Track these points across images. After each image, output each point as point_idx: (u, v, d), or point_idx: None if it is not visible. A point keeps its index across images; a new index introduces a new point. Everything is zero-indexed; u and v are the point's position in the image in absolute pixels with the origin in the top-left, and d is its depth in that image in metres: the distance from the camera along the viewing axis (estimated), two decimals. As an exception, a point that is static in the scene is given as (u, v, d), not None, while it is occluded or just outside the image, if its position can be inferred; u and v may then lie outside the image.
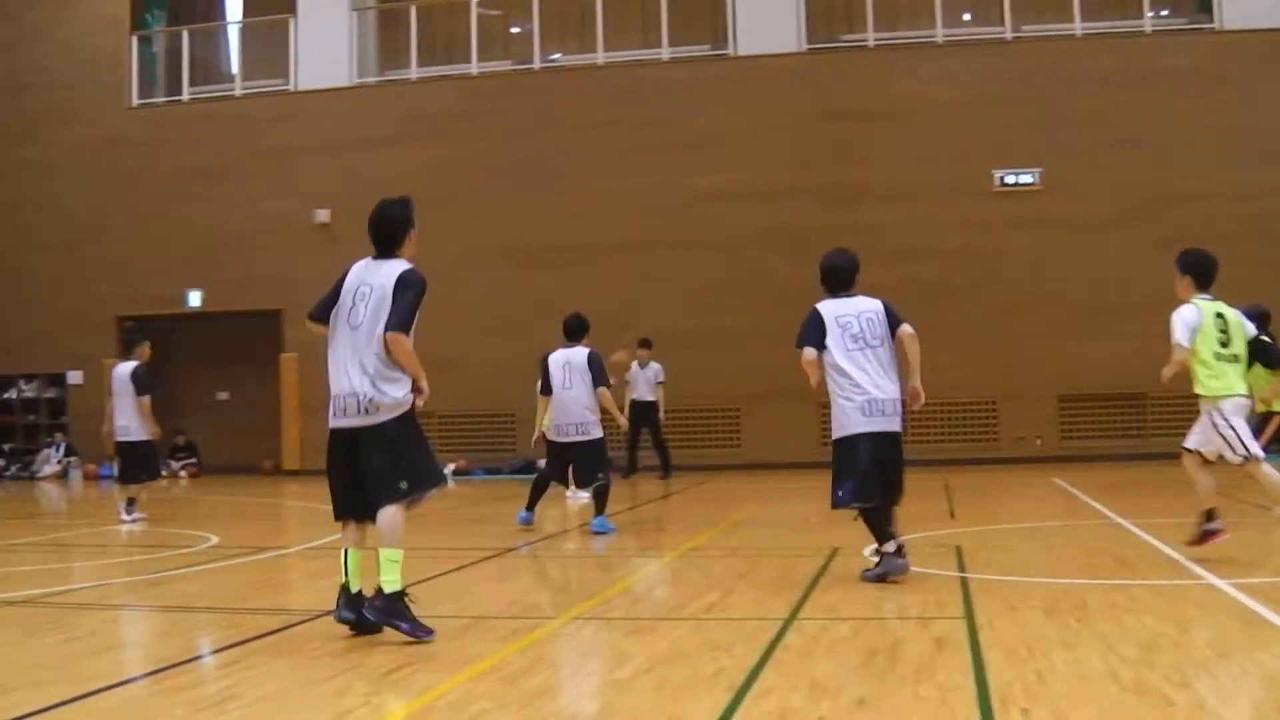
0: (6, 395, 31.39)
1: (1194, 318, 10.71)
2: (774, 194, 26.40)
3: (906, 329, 10.45)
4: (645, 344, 23.31)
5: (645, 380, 23.08)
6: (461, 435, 26.93)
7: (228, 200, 28.98)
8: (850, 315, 10.46)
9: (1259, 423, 13.52)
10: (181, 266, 29.09)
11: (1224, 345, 10.73)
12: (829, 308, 10.56)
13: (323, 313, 9.04)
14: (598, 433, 14.74)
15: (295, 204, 28.53)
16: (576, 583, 11.28)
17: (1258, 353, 11.27)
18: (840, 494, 10.18)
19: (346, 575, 8.30)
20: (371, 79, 29.93)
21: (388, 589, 8.07)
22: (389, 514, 8.15)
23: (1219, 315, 10.77)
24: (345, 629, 8.11)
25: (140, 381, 17.21)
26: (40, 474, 29.82)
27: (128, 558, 14.05)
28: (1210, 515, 10.84)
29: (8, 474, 30.53)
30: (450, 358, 26.06)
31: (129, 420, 17.28)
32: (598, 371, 14.66)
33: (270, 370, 28.18)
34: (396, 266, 8.76)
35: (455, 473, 25.44)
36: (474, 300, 26.44)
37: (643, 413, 22.83)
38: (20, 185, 30.80)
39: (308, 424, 26.66)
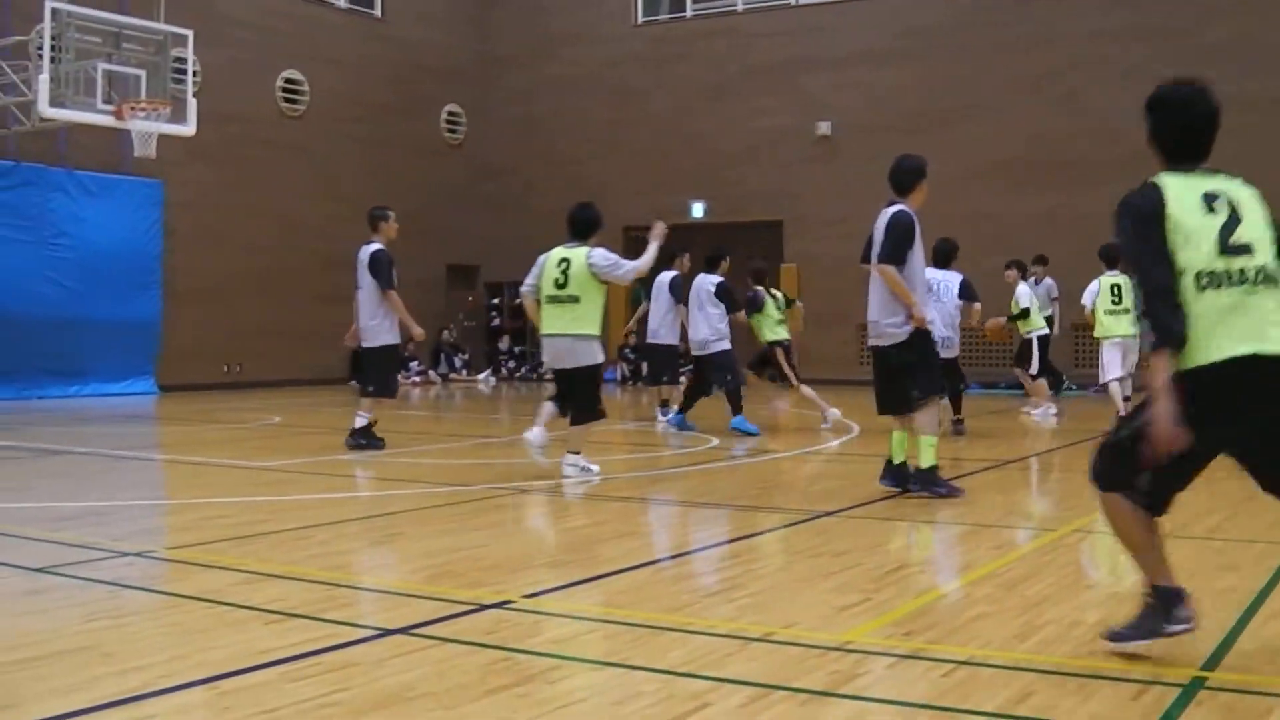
0: (518, 304, 32.87)
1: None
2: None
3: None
4: (1040, 260, 22.91)
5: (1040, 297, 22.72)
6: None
7: (730, 114, 29.49)
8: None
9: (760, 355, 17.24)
10: (686, 179, 29.79)
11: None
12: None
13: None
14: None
15: (796, 117, 28.77)
16: (1075, 496, 11.07)
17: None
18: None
19: (892, 451, 10.47)
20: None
21: (924, 465, 10.18)
22: (921, 413, 10.18)
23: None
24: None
25: (673, 289, 17.99)
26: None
27: (632, 454, 14.55)
28: None
29: (518, 376, 32.04)
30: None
31: (657, 325, 18.05)
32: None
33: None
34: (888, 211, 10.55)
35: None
36: (971, 219, 26.10)
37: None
38: (536, 104, 32.28)
39: (809, 333, 26.97)
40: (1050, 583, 6.88)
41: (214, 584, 6.80)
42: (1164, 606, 5.39)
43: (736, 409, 16.14)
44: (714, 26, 30.86)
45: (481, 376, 30.90)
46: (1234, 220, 5.23)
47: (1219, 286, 5.11)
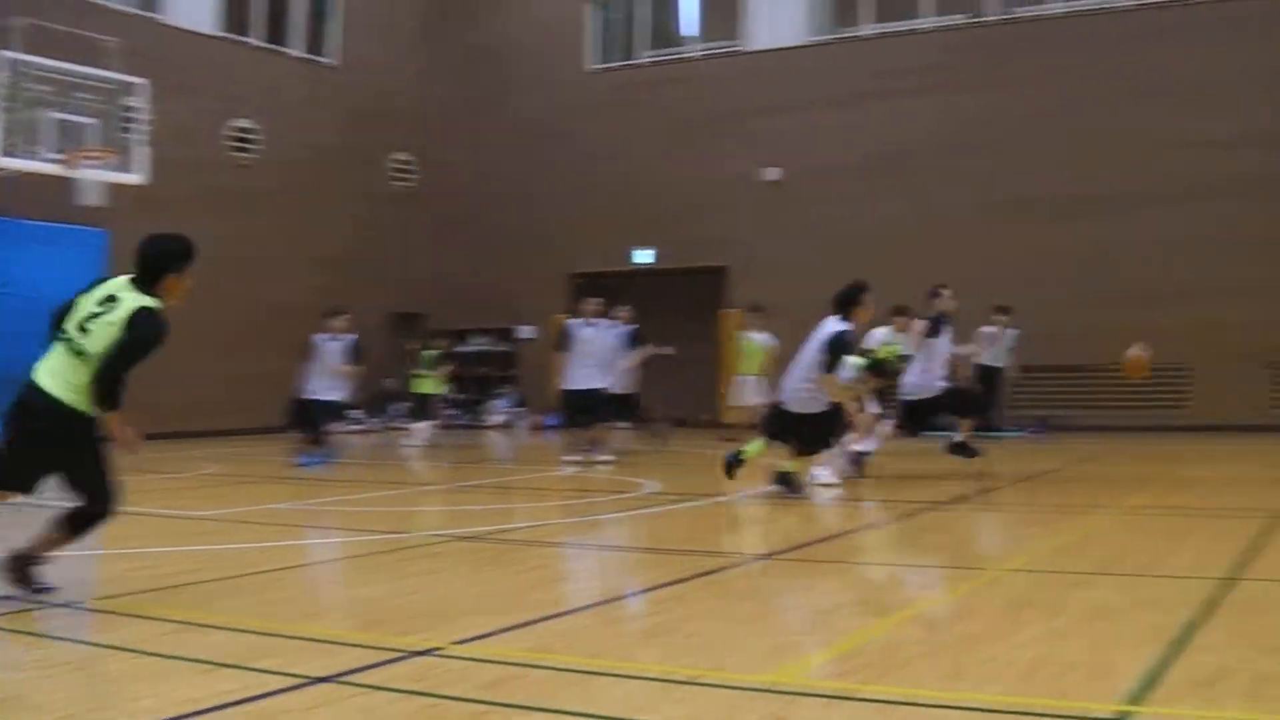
0: (462, 348, 32.72)
1: None
2: (1246, 143, 24.97)
3: None
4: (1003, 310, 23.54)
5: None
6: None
7: (682, 161, 29.49)
8: None
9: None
10: (637, 226, 29.79)
11: None
12: None
13: None
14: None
15: (747, 163, 28.78)
16: (1011, 537, 11.14)
17: None
18: None
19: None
20: (824, 37, 29.68)
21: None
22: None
23: None
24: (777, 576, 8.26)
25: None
26: (488, 423, 31.06)
27: (568, 500, 14.52)
28: None
29: (459, 422, 31.88)
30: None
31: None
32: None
33: (712, 327, 28.64)
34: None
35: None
36: (936, 260, 26.21)
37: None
38: (488, 150, 32.27)
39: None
40: (980, 622, 6.90)
41: (142, 634, 6.73)
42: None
43: None
44: (668, 73, 30.88)
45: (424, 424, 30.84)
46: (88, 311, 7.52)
47: (60, 344, 7.56)
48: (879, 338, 16.84)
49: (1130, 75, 25.78)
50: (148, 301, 7.58)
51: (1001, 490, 14.57)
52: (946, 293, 16.54)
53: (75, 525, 7.64)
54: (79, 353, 7.44)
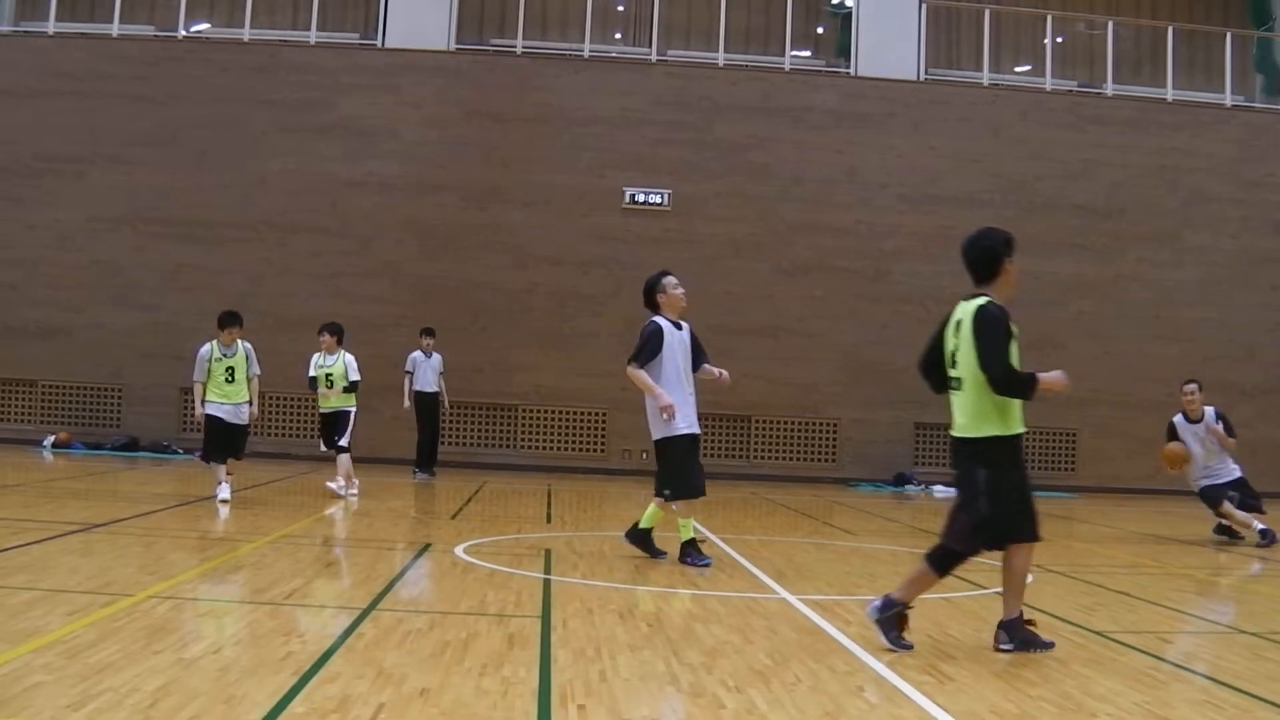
0: None
1: None
2: (413, 187, 26.19)
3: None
4: (429, 332, 22.32)
5: (431, 369, 22.23)
6: (65, 407, 25.85)
7: None
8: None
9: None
10: None
11: None
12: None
13: None
14: None
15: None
16: (162, 562, 11.03)
17: None
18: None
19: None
20: (5, 28, 28.36)
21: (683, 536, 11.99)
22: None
23: None
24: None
25: None
26: None
27: None
28: None
29: None
30: (60, 325, 25.21)
31: None
32: None
33: None
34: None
35: (55, 445, 24.61)
36: (95, 268, 25.63)
37: (428, 403, 22.31)
38: None
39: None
40: (116, 650, 6.83)
41: None
42: None
43: None
44: None
45: None
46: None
47: None
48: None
49: (310, 108, 26.60)
50: None
51: (158, 513, 14.46)
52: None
53: None
54: None
